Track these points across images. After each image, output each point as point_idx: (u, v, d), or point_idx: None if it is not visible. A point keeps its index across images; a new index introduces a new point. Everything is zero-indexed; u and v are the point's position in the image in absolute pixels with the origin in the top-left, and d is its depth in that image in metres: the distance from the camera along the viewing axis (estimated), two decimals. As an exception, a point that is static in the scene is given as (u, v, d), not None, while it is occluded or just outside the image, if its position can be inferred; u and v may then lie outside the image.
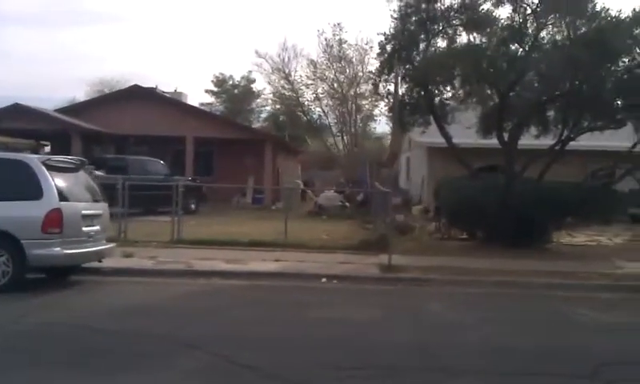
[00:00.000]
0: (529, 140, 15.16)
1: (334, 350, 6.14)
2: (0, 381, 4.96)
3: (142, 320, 7.23)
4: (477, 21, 13.50)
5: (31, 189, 8.58)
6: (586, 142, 16.59)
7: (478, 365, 5.76)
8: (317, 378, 5.21)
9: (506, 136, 14.50)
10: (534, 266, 11.46)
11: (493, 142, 14.86)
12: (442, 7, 13.97)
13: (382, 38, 14.28)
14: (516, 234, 13.65)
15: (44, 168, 8.76)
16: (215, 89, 48.58)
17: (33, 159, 8.90)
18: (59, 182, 8.90)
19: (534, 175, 14.48)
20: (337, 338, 6.62)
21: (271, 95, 40.45)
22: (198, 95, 72.42)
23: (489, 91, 14.07)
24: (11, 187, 8.72)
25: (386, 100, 14.57)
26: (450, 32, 14.38)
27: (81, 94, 47.65)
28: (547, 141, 14.89)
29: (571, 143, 14.58)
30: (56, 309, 7.71)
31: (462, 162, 15.22)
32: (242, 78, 47.59)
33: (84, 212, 9.26)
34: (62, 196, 8.81)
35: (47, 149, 28.65)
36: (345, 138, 34.68)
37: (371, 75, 17.30)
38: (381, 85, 15.06)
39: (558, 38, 13.21)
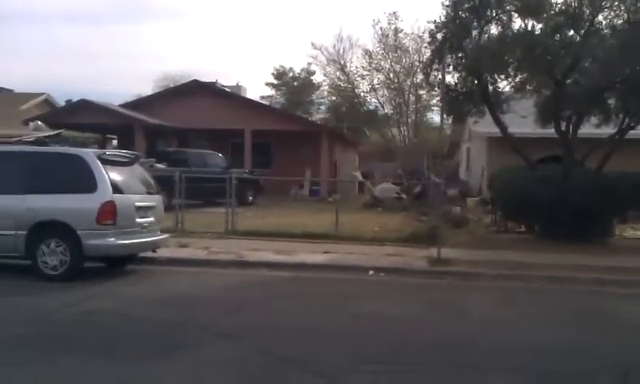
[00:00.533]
0: (590, 129, 14.62)
1: (367, 343, 6.17)
2: (28, 367, 5.20)
3: (184, 309, 7.47)
4: (531, 6, 13.06)
5: (86, 182, 9.00)
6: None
7: (507, 362, 5.66)
8: (344, 371, 5.26)
9: (564, 125, 14.04)
10: (590, 261, 11.05)
11: (553, 131, 14.41)
12: (496, -8, 13.62)
13: (433, 26, 14.05)
14: (574, 227, 13.21)
15: (98, 162, 9.16)
16: (275, 81, 49.13)
17: (88, 153, 9.32)
18: (113, 175, 9.29)
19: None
20: (372, 332, 6.66)
21: (327, 87, 40.50)
22: (258, 88, 73.33)
23: (544, 79, 13.58)
24: (68, 180, 9.19)
25: (437, 90, 14.27)
26: (505, 18, 13.97)
27: (147, 89, 49.05)
28: (609, 130, 14.33)
29: (637, 132, 13.93)
30: (105, 297, 8.07)
31: (518, 153, 14.83)
32: (302, 70, 47.95)
33: (137, 204, 9.64)
34: (116, 189, 9.20)
35: (114, 142, 29.89)
36: (402, 128, 34.30)
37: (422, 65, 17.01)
38: (432, 74, 14.83)
39: (617, 22, 12.64)
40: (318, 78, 46.06)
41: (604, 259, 11.39)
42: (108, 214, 8.97)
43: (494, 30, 14.16)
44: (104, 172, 9.10)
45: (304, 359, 5.52)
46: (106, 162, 9.34)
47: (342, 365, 5.42)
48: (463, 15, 13.99)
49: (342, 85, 36.78)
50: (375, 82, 35.12)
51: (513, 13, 13.80)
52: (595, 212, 13.26)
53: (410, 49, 32.79)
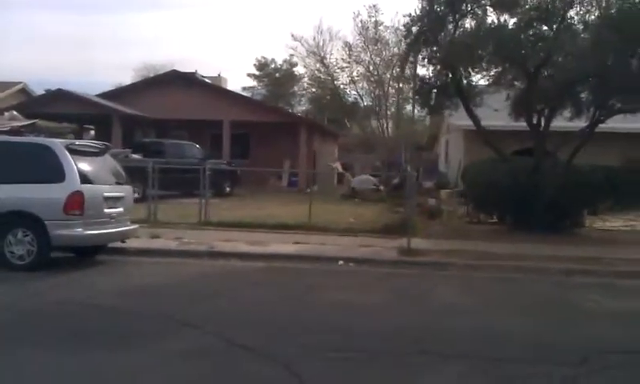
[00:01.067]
0: (562, 122, 14.79)
1: (329, 331, 6.21)
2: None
3: (151, 299, 7.48)
4: (505, 1, 13.19)
5: (54, 172, 8.95)
6: (626, 124, 16.09)
7: (469, 350, 5.76)
8: (301, 358, 5.30)
9: (536, 118, 14.19)
10: (559, 252, 11.24)
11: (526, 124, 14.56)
12: (471, -13, 13.69)
13: (408, 19, 14.10)
14: (545, 218, 13.40)
15: (67, 152, 9.10)
16: (257, 72, 48.98)
17: (56, 143, 9.25)
18: (82, 165, 9.24)
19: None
20: (335, 320, 6.71)
21: (307, 79, 40.45)
22: (241, 79, 73.02)
23: (517, 72, 13.72)
24: (36, 170, 9.12)
25: (412, 83, 14.35)
26: (479, 13, 14.08)
27: (128, 80, 48.62)
28: (581, 123, 14.50)
29: (610, 126, 14.10)
30: (72, 287, 8.05)
31: (491, 145, 14.97)
32: (284, 61, 47.86)
33: (106, 194, 9.61)
34: (85, 179, 9.16)
35: (92, 133, 29.65)
36: (381, 121, 34.41)
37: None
38: (407, 67, 14.90)
39: (589, 17, 12.80)
40: (299, 69, 46.06)
41: (573, 250, 11.59)
42: (75, 204, 8.93)
43: (468, 24, 14.28)
44: (72, 162, 9.05)
45: (263, 347, 5.55)
46: (74, 152, 9.28)
47: (301, 352, 5.47)
48: (438, 9, 14.06)
49: (321, 77, 36.77)
50: (355, 74, 35.22)
51: (488, 7, 13.91)
52: (566, 204, 13.46)
53: (390, 42, 32.86)
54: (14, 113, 23.06)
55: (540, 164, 13.74)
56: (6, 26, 71.03)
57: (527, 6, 13.15)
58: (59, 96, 24.67)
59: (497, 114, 15.74)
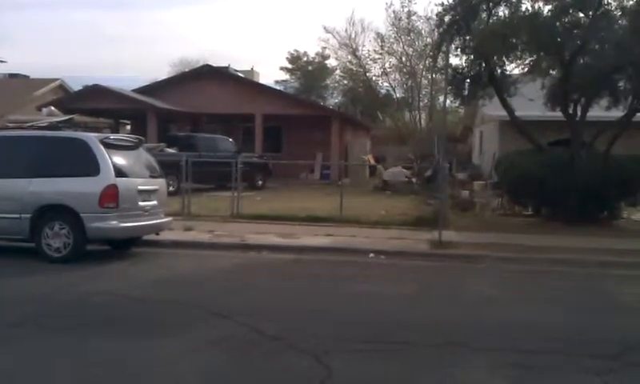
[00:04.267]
0: (599, 112, 14.45)
1: (359, 323, 6.23)
2: (29, 344, 5.36)
3: (182, 290, 7.59)
4: (540, -13, 12.93)
5: (89, 165, 9.13)
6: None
7: (500, 342, 5.69)
8: (332, 350, 5.31)
9: (572, 108, 13.89)
10: (595, 244, 11.00)
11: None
12: (505, -25, 13.46)
13: (441, 8, 13.93)
14: (581, 210, 13.14)
15: (101, 146, 9.27)
16: (290, 66, 49.02)
17: (91, 138, 9.42)
18: (116, 159, 9.41)
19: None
20: (365, 312, 6.71)
21: (339, 71, 40.30)
22: (274, 73, 73.22)
23: (552, 61, 13.44)
24: (72, 164, 9.33)
25: (444, 73, 14.17)
26: (514, 0, 13.84)
27: (164, 75, 49.23)
28: (619, 113, 14.14)
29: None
30: (107, 279, 8.20)
31: (525, 135, 14.72)
32: (317, 54, 47.79)
33: (140, 187, 9.75)
34: (119, 172, 9.31)
35: (128, 127, 30.13)
36: (413, 112, 34.14)
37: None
38: (440, 57, 14.73)
39: (628, 3, 12.45)
40: (332, 62, 45.98)
41: (610, 242, 11.33)
42: (110, 197, 9.09)
43: (502, 12, 14.04)
44: (107, 156, 9.21)
45: (293, 338, 5.59)
46: (109, 146, 9.45)
47: (331, 344, 5.48)
48: (472, -3, 13.85)
49: (353, 69, 36.62)
50: (387, 65, 34.99)
51: (522, -6, 13.64)
52: (602, 195, 13.16)
53: (423, 32, 32.56)
54: (52, 108, 23.68)
55: (576, 155, 13.45)
56: (45, 24, 72.59)
57: (562, -7, 12.83)
58: (96, 92, 25.12)
59: (532, 104, 15.46)
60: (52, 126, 10.97)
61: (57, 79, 33.37)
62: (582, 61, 13.20)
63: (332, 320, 6.36)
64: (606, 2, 12.67)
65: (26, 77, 35.24)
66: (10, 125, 13.47)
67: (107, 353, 5.17)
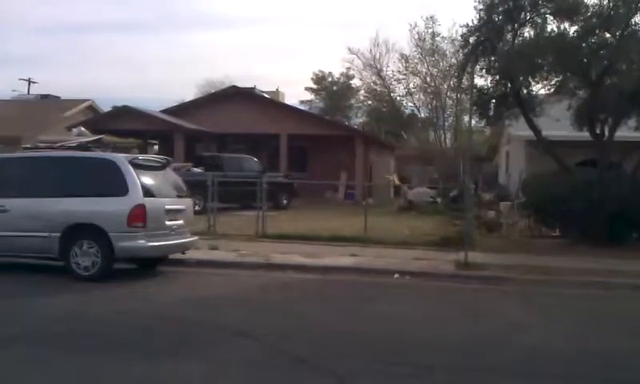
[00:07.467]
0: (627, 132, 14.28)
1: (383, 345, 6.20)
2: (59, 363, 5.44)
3: (208, 310, 7.65)
4: (565, 8, 12.90)
5: (118, 186, 9.29)
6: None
7: (525, 365, 5.63)
8: (356, 372, 5.31)
9: (599, 128, 13.76)
10: (624, 266, 10.80)
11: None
12: (531, -4, 13.47)
13: (465, 30, 13.98)
14: (609, 232, 12.94)
15: (130, 166, 9.44)
16: (315, 86, 49.36)
17: (120, 158, 9.60)
18: (144, 179, 9.56)
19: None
20: (389, 334, 6.68)
21: (363, 91, 40.47)
22: (298, 93, 73.78)
23: (579, 81, 13.36)
24: (101, 184, 9.50)
25: (469, 93, 14.18)
26: (539, 21, 13.82)
27: (190, 96, 49.92)
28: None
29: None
30: (133, 298, 8.31)
31: (552, 156, 14.60)
32: (341, 74, 48.08)
33: (167, 207, 9.88)
34: (147, 192, 9.46)
35: (156, 147, 30.55)
36: (439, 132, 34.08)
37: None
38: (465, 78, 14.74)
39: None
40: (356, 82, 46.19)
41: (638, 264, 11.10)
42: (138, 217, 9.23)
43: (527, 33, 14.03)
44: (135, 176, 9.37)
45: (317, 359, 5.59)
46: (137, 166, 9.61)
47: (355, 366, 5.47)
48: (497, 18, 13.88)
49: (378, 89, 36.77)
50: (411, 85, 35.06)
51: (547, 16, 13.63)
52: (632, 216, 12.95)
53: (448, 52, 32.60)
54: (82, 129, 23.99)
55: (604, 175, 13.28)
56: (76, 47, 74.30)
57: (589, 14, 12.81)
58: (125, 112, 25.60)
59: (559, 124, 15.34)
60: (81, 146, 11.19)
61: (87, 100, 34.01)
62: (609, 81, 13.11)
63: (357, 341, 6.35)
64: (633, 23, 12.59)
65: (56, 98, 35.99)
66: (41, 145, 13.77)
67: (134, 373, 5.23)
